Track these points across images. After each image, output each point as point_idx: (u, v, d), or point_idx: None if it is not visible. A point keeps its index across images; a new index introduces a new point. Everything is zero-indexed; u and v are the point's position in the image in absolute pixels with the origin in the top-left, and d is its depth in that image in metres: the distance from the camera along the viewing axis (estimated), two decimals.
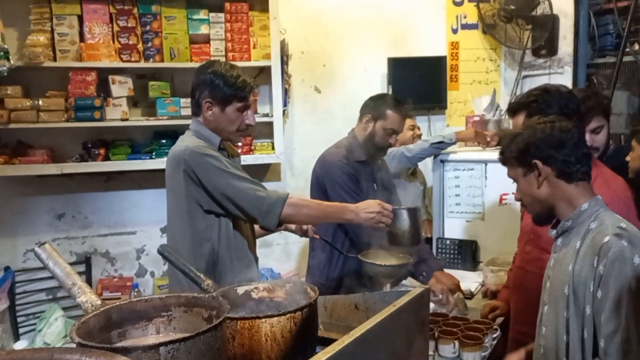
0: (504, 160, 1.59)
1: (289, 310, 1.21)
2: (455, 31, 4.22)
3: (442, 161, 3.23)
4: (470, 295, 2.55)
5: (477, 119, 3.89)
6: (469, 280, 2.73)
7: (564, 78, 4.09)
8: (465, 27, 4.23)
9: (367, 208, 1.94)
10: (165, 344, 0.87)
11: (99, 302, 1.09)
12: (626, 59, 3.81)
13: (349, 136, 2.64)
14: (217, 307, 1.07)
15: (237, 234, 2.01)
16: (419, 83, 4.07)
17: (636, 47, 3.92)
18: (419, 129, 3.56)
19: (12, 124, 3.16)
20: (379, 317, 1.14)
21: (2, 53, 2.97)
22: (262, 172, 3.85)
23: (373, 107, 2.57)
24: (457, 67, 4.23)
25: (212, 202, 1.90)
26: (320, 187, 2.52)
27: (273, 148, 3.67)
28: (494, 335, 1.92)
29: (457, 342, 1.79)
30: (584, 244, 1.43)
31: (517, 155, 1.53)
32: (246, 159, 3.60)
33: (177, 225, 1.97)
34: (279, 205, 1.84)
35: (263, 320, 1.18)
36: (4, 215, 3.51)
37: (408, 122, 3.35)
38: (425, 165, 3.86)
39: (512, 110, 1.99)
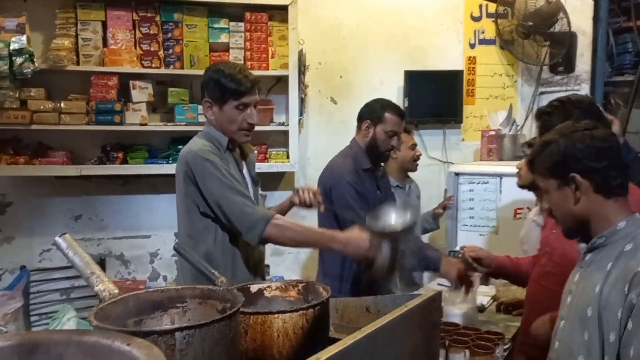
0: (533, 169, 1.47)
1: (301, 307, 1.22)
2: (472, 46, 4.24)
3: (457, 174, 3.23)
4: (482, 309, 2.53)
5: (492, 133, 3.91)
6: (481, 294, 2.71)
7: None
8: (482, 42, 4.25)
9: (357, 241, 1.79)
10: (180, 329, 0.89)
11: (116, 291, 1.12)
12: None
13: (352, 145, 2.65)
14: (231, 299, 1.09)
15: (234, 244, 1.99)
16: (435, 97, 4.08)
17: None
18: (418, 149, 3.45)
19: (34, 125, 3.22)
20: (389, 316, 1.15)
21: (27, 56, 3.04)
22: (276, 180, 3.88)
23: (370, 112, 2.60)
24: (474, 81, 4.24)
25: (206, 206, 1.91)
26: (327, 197, 2.46)
27: (288, 157, 3.70)
28: (506, 347, 1.91)
29: (467, 351, 1.78)
30: (615, 267, 1.33)
31: (551, 166, 1.40)
32: (261, 167, 3.63)
33: (179, 223, 2.02)
34: (262, 224, 1.82)
35: (275, 315, 1.20)
36: (22, 215, 3.57)
37: (408, 140, 3.31)
38: (439, 178, 3.87)
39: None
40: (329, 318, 1.34)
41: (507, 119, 4.04)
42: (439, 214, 3.34)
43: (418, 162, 3.35)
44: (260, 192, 2.23)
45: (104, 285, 1.12)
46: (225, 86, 1.94)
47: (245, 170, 2.10)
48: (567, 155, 1.37)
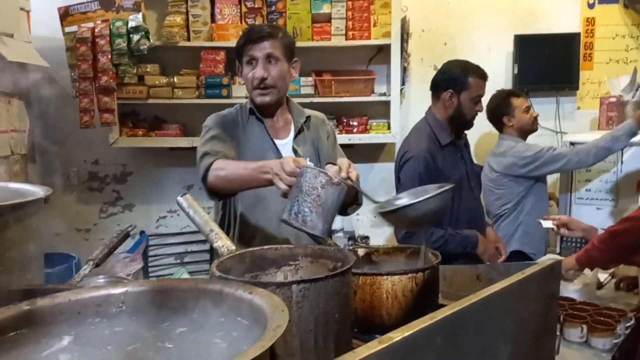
0: None
1: (411, 269, 1.21)
2: (591, 6, 3.89)
3: (573, 144, 3.02)
4: (600, 285, 2.37)
5: (613, 100, 3.60)
6: (600, 270, 2.54)
7: None
8: (603, 1, 3.89)
9: (279, 164, 1.40)
10: (297, 282, 0.91)
11: (233, 247, 1.17)
12: None
13: (429, 118, 2.48)
14: (342, 258, 1.10)
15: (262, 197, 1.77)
16: (547, 62, 3.82)
17: None
18: (534, 110, 3.25)
19: (151, 99, 3.44)
20: (506, 282, 1.10)
21: (143, 33, 3.25)
22: (377, 152, 3.86)
23: (451, 80, 2.41)
24: (592, 44, 3.91)
25: None
26: (397, 177, 2.43)
27: (389, 128, 3.65)
28: (628, 324, 1.77)
29: (585, 327, 1.68)
30: None
31: None
32: (362, 139, 3.63)
33: None
34: (204, 169, 1.65)
35: (385, 277, 1.19)
36: (141, 184, 3.85)
37: (521, 102, 3.13)
38: None
39: None
40: (439, 283, 1.32)
41: (631, 84, 3.68)
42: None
43: (537, 123, 3.15)
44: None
45: (222, 242, 1.18)
46: (238, 43, 1.83)
47: (281, 141, 1.87)
48: None
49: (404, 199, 1.41)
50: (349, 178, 1.35)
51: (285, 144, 1.86)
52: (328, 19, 3.53)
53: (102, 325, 0.84)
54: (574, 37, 3.83)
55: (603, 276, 2.50)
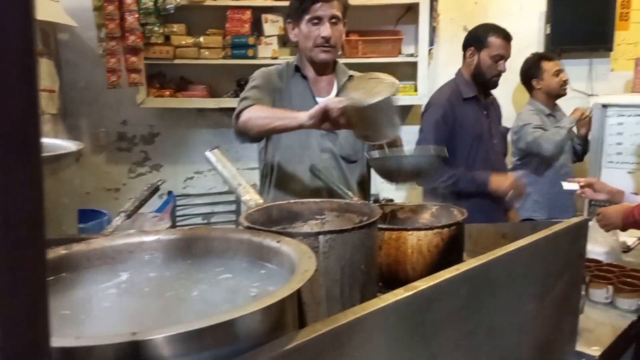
0: None
1: (436, 225, 1.21)
2: None
3: (605, 105, 2.95)
4: (627, 249, 2.35)
5: None
6: (627, 235, 2.51)
7: None
8: None
9: (323, 105, 1.50)
10: (324, 232, 0.92)
11: (261, 200, 1.19)
12: None
13: (457, 75, 2.63)
14: (368, 212, 1.11)
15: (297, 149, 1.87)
16: (582, 22, 3.70)
17: None
18: (565, 74, 3.24)
19: (177, 59, 3.45)
20: (532, 238, 1.10)
21: None
22: (404, 114, 3.82)
23: (473, 39, 2.56)
24: (629, 3, 3.76)
25: None
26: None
27: (416, 90, 3.60)
28: None
29: (611, 287, 1.67)
30: None
31: None
32: None
33: None
34: (238, 110, 1.73)
35: (410, 232, 1.20)
36: (168, 145, 3.90)
37: (551, 65, 3.16)
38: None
39: None
40: (464, 240, 1.32)
41: None
42: (583, 134, 3.14)
43: (566, 87, 3.18)
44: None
45: (250, 195, 1.19)
46: (297, 1, 1.85)
47: (323, 99, 1.85)
48: None
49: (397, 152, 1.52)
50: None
51: (322, 99, 1.90)
52: None
53: (138, 271, 0.87)
54: None
55: (631, 240, 2.47)
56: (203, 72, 3.62)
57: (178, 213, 3.94)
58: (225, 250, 0.89)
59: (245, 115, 1.71)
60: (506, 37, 2.52)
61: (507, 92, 3.71)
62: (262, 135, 1.81)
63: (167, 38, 3.43)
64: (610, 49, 3.77)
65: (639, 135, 2.84)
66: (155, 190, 1.40)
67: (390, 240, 1.21)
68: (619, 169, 2.91)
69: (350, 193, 1.50)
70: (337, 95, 1.93)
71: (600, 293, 1.68)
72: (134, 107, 3.54)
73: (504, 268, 1.02)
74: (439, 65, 3.81)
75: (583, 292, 1.69)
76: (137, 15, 3.24)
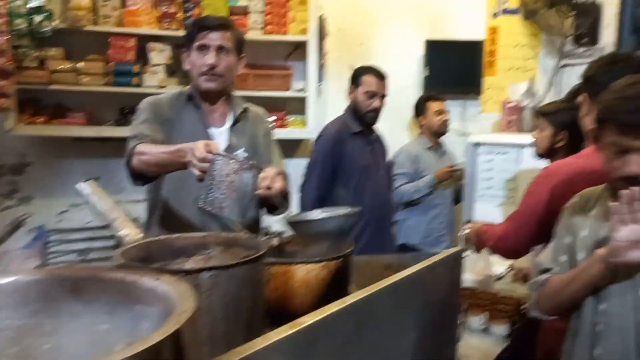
0: (608, 124, 1.27)
1: (323, 258, 1.22)
2: (495, 15, 4.14)
3: (476, 144, 3.20)
4: (499, 277, 2.52)
5: (512, 105, 3.85)
6: (498, 263, 2.70)
7: None
8: (506, 12, 4.15)
9: (191, 148, 1.44)
10: (207, 269, 0.88)
11: (140, 235, 1.12)
12: None
13: (345, 112, 2.88)
14: (255, 246, 1.08)
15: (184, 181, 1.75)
16: (454, 67, 4.02)
17: None
18: (446, 113, 3.56)
19: (53, 85, 3.22)
20: (413, 269, 1.14)
21: (46, 14, 3.04)
22: (293, 147, 3.86)
23: (352, 77, 2.86)
24: (495, 52, 4.16)
25: None
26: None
27: (305, 124, 3.67)
28: (522, 307, 1.90)
29: (485, 315, 1.77)
30: None
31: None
32: (280, 133, 3.60)
33: None
34: (128, 152, 1.69)
35: (298, 265, 1.19)
36: (41, 176, 3.59)
37: (435, 105, 3.46)
38: (457, 150, 3.82)
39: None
40: (351, 272, 1.34)
41: (528, 91, 3.97)
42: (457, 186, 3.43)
43: (447, 126, 3.49)
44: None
45: (128, 230, 1.12)
46: (189, 28, 1.88)
47: (216, 130, 1.89)
48: None
49: (316, 213, 1.54)
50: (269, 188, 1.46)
51: (220, 133, 1.89)
52: (245, 11, 3.48)
53: None
54: (479, 45, 4.06)
55: (501, 268, 2.67)
56: (82, 99, 3.40)
57: (51, 249, 3.62)
58: (94, 292, 0.81)
59: (136, 158, 1.65)
60: (379, 76, 2.76)
61: (402, 126, 3.94)
62: (158, 175, 1.74)
63: (42, 62, 3.20)
64: (479, 93, 4.12)
65: (506, 171, 3.11)
66: (18, 225, 1.28)
67: (278, 274, 1.19)
68: (490, 202, 3.16)
69: (239, 226, 1.47)
70: (233, 126, 1.91)
71: (476, 320, 1.77)
72: (2, 134, 3.23)
73: (388, 299, 1.04)
74: (328, 100, 3.93)
75: (461, 320, 1.78)
76: (8, 37, 2.99)
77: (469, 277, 2.20)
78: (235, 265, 0.91)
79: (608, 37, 4.03)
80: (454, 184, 3.44)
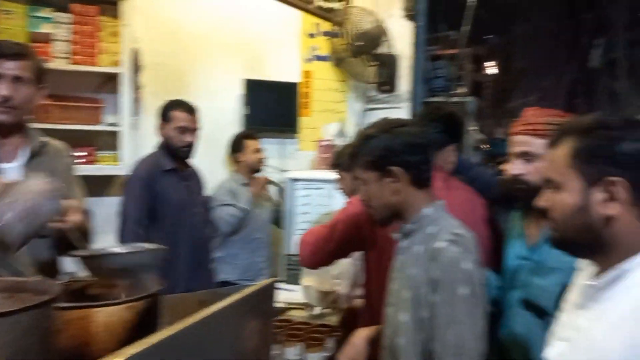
0: (355, 162, 1.54)
1: (128, 299, 1.14)
2: (309, 60, 4.42)
3: (294, 180, 3.33)
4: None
5: (326, 143, 4.11)
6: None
7: (402, 113, 4.48)
8: (318, 58, 4.45)
9: None
10: None
11: None
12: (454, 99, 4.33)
13: (157, 148, 2.82)
14: (46, 290, 0.98)
15: None
16: (273, 107, 4.17)
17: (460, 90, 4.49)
18: (262, 152, 3.70)
19: None
20: (224, 302, 1.13)
21: None
22: (105, 184, 3.61)
23: (162, 112, 2.82)
24: (310, 94, 4.42)
25: None
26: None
27: (117, 160, 3.47)
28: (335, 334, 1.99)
29: (301, 345, 1.82)
30: (422, 248, 1.44)
31: (374, 159, 1.48)
32: (89, 169, 3.35)
33: None
34: None
35: (98, 309, 1.10)
36: None
37: (252, 144, 3.58)
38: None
39: None
40: (159, 312, 1.27)
41: (340, 132, 4.29)
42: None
43: (263, 163, 3.61)
44: None
45: None
46: None
47: (7, 165, 1.74)
48: (389, 149, 1.47)
49: (112, 248, 1.38)
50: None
51: (12, 168, 1.74)
52: (48, 39, 3.22)
53: None
54: (294, 87, 4.28)
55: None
56: None
57: None
58: None
59: None
60: (189, 110, 2.76)
61: (222, 162, 3.93)
62: None
63: None
64: (295, 132, 4.33)
65: (321, 206, 3.29)
66: None
67: (75, 320, 1.08)
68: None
69: (31, 269, 1.32)
70: (29, 162, 1.75)
71: (292, 351, 1.81)
72: None
73: (196, 335, 1.01)
74: (145, 135, 3.77)
75: (278, 352, 1.80)
76: None
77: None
78: (17, 312, 0.81)
79: (404, 86, 4.56)
80: (270, 204, 3.55)
